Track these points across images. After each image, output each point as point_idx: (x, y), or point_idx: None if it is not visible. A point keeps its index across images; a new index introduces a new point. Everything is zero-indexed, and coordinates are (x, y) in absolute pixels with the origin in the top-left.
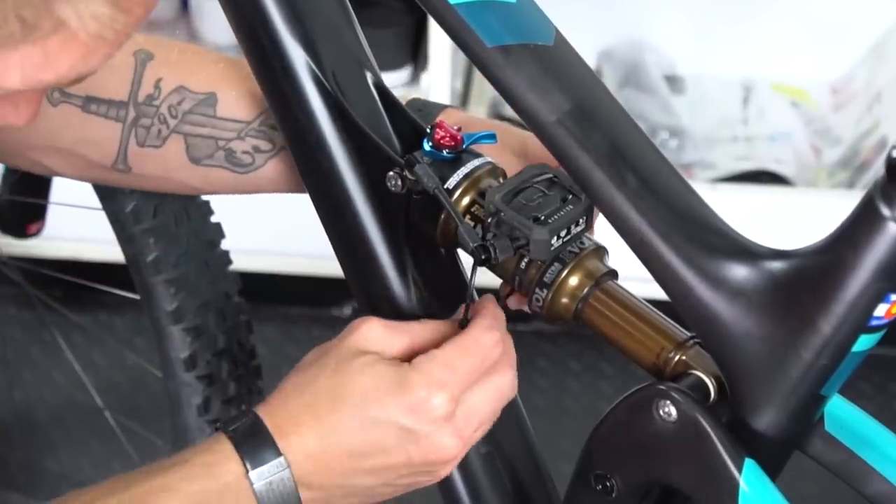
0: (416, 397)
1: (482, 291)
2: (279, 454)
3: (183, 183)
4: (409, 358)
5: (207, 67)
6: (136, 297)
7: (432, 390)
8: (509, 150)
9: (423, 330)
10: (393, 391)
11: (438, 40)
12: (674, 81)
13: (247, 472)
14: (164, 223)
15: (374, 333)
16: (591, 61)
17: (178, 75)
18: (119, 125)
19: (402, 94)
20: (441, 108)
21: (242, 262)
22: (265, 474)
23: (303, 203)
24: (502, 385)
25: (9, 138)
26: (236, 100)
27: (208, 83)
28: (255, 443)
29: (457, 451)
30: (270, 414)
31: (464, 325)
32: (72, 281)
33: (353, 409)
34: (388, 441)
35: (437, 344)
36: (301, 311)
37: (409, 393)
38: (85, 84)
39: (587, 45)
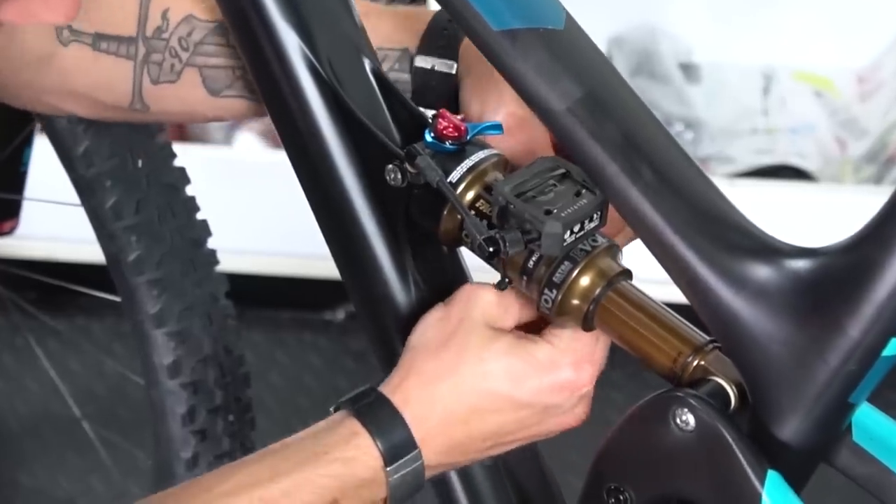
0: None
1: None
2: (416, 447)
3: (205, 115)
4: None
5: None
6: (117, 299)
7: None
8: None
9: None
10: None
11: None
12: (689, 70)
13: (384, 465)
14: (147, 220)
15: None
16: (601, 48)
17: (185, 3)
18: (130, 63)
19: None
20: None
21: (230, 262)
22: (401, 468)
23: (294, 199)
24: None
25: (24, 82)
26: None
27: (217, 9)
28: (393, 438)
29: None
30: (406, 403)
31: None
32: (47, 282)
33: (499, 410)
34: (528, 420)
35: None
36: (291, 315)
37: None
38: (93, 20)
39: (597, 31)
